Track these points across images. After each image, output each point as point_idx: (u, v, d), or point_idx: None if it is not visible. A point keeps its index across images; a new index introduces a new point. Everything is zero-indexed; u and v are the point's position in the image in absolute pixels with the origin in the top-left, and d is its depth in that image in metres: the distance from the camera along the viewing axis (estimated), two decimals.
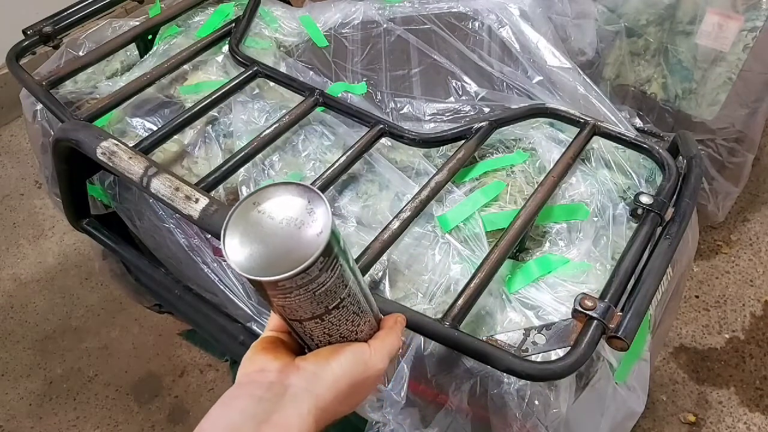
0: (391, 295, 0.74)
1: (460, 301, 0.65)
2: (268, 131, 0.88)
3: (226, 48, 1.08)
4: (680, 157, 0.82)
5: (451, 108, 0.98)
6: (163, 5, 1.17)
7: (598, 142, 0.87)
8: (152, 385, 1.55)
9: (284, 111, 0.94)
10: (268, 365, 0.44)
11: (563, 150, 0.83)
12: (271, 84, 1.02)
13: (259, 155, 0.88)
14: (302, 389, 0.42)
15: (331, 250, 0.37)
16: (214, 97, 0.95)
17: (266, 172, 0.89)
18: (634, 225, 0.75)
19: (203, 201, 0.69)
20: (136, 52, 1.13)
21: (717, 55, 1.35)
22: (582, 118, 0.86)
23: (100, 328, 1.67)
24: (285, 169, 0.90)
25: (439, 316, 0.64)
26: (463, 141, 0.86)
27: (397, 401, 0.71)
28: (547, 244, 0.78)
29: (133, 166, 0.73)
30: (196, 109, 0.93)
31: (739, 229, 1.75)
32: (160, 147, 0.91)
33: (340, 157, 0.85)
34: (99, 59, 1.04)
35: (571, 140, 0.84)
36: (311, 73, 1.06)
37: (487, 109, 0.97)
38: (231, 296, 0.88)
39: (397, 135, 0.89)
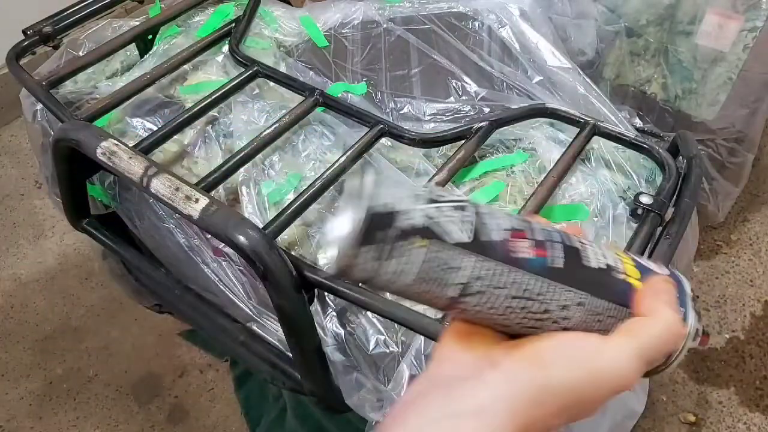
0: (391, 295, 0.74)
1: None
2: (268, 131, 0.88)
3: (226, 48, 1.08)
4: (680, 157, 0.82)
5: (451, 108, 0.98)
6: (163, 5, 1.16)
7: (598, 142, 0.87)
8: (152, 385, 1.55)
9: (284, 111, 0.94)
10: (458, 358, 0.36)
11: (563, 150, 0.83)
12: (271, 84, 1.02)
13: (259, 155, 0.88)
14: (495, 398, 0.32)
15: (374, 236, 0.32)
16: (214, 97, 0.95)
17: (266, 172, 0.89)
18: (634, 225, 0.75)
19: (203, 201, 0.69)
20: (136, 52, 1.13)
21: (717, 55, 1.35)
22: (582, 118, 0.86)
23: (100, 328, 1.67)
24: (285, 169, 0.90)
25: (440, 316, 0.64)
26: (463, 141, 0.86)
27: (397, 401, 0.71)
28: None
29: (133, 166, 0.73)
30: (196, 109, 0.93)
31: (739, 229, 1.75)
32: (160, 147, 0.91)
33: (340, 157, 0.85)
34: (99, 59, 1.04)
35: (571, 140, 0.84)
36: (311, 73, 1.06)
37: (487, 109, 0.97)
38: (231, 296, 0.88)
39: (397, 135, 0.89)
